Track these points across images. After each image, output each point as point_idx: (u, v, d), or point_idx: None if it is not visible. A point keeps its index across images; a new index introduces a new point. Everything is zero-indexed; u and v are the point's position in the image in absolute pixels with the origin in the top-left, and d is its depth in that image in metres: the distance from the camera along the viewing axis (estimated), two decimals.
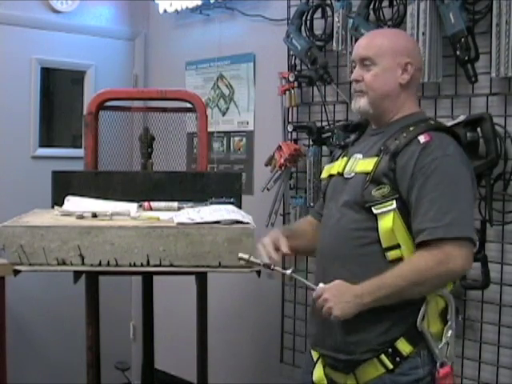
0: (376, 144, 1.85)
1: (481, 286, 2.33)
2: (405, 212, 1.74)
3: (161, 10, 3.61)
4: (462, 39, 2.28)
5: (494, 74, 2.24)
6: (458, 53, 2.30)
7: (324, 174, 2.03)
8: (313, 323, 1.95)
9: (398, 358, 1.75)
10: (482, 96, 2.36)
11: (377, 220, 1.75)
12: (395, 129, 1.83)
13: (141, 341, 2.91)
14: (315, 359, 1.94)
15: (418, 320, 1.75)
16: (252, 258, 1.87)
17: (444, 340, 1.78)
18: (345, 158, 1.92)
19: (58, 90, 3.94)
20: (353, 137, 2.02)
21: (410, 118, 1.86)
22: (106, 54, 3.78)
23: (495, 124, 2.25)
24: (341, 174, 1.90)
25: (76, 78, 3.77)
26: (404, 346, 1.76)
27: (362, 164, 1.83)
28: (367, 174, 1.78)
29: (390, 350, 1.76)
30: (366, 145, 1.90)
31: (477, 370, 2.41)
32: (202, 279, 2.51)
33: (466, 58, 2.29)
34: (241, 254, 1.89)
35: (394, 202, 1.73)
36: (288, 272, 1.81)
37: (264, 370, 3.25)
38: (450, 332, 1.79)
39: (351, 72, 1.94)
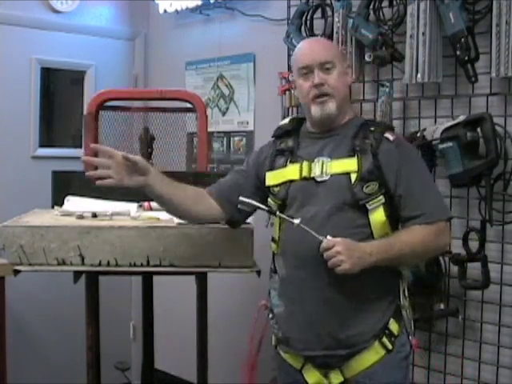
0: (340, 145, 1.91)
1: (481, 286, 2.33)
2: (388, 204, 1.87)
3: (161, 10, 3.61)
4: (462, 39, 2.28)
5: (493, 74, 2.24)
6: (458, 53, 2.30)
7: (274, 181, 1.97)
8: (297, 328, 1.93)
9: (392, 338, 1.89)
10: (482, 96, 2.36)
11: (367, 215, 1.85)
12: (351, 130, 1.93)
13: (141, 341, 2.91)
14: (298, 365, 1.96)
15: (401, 298, 1.92)
16: (254, 202, 1.90)
17: (409, 315, 1.95)
18: (305, 163, 1.92)
19: (58, 90, 3.94)
20: (290, 142, 2.01)
21: (356, 120, 2.00)
22: (106, 53, 3.78)
23: (495, 124, 2.25)
24: (307, 178, 1.91)
25: (76, 77, 3.76)
26: (394, 326, 1.89)
27: (336, 165, 1.88)
28: (348, 173, 1.86)
29: (386, 331, 1.89)
30: (323, 147, 1.93)
31: (477, 369, 2.41)
32: (201, 279, 2.51)
33: (466, 57, 2.29)
34: (241, 198, 1.92)
35: (382, 196, 1.85)
36: (296, 221, 1.83)
37: (264, 369, 3.25)
38: (410, 308, 1.96)
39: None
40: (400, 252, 1.82)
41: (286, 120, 2.11)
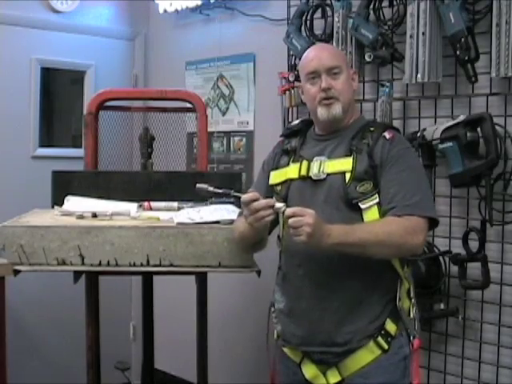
0: (339, 146, 1.95)
1: (481, 285, 2.33)
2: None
3: (161, 10, 3.61)
4: (462, 39, 2.28)
5: (494, 74, 2.25)
6: (458, 53, 2.30)
7: (277, 179, 2.02)
8: (295, 324, 1.96)
9: (389, 339, 1.89)
10: (482, 96, 2.36)
11: (361, 214, 1.86)
12: (352, 131, 1.96)
13: (141, 341, 2.91)
14: (296, 359, 1.99)
15: (401, 300, 1.90)
16: (210, 188, 1.95)
17: (411, 315, 1.94)
18: (304, 162, 1.96)
19: (58, 89, 3.94)
20: (294, 142, 2.05)
21: (360, 121, 2.02)
22: (106, 53, 3.78)
23: (495, 124, 2.25)
24: (305, 177, 1.95)
25: (76, 77, 3.76)
26: (391, 327, 1.89)
27: (333, 165, 1.92)
28: (343, 173, 1.89)
29: (382, 331, 1.88)
30: (324, 148, 1.98)
31: (477, 369, 2.41)
32: (201, 279, 2.51)
33: (466, 57, 2.29)
34: (199, 185, 1.96)
35: (377, 195, 1.87)
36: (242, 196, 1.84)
37: (264, 370, 3.25)
38: (414, 308, 1.95)
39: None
40: (360, 239, 1.78)
41: (297, 121, 2.16)
